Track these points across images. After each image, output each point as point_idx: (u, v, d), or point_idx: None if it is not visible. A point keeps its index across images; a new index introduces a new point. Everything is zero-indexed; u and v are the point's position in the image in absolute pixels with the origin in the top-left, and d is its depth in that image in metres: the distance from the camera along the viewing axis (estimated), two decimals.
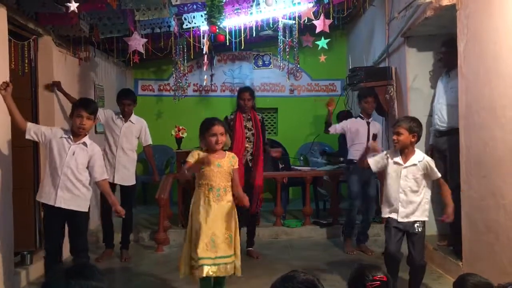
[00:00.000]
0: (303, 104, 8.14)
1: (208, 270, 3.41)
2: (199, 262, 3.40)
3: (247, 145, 4.93)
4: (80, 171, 3.66)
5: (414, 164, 3.54)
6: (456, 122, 4.41)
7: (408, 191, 3.51)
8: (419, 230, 3.53)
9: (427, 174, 3.55)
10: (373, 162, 3.77)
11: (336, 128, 5.30)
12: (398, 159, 3.60)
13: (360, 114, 5.26)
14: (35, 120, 4.63)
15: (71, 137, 3.67)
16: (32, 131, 3.66)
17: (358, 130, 5.16)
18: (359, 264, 2.11)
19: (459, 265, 3.99)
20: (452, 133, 4.47)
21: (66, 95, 4.93)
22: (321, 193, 6.74)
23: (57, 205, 3.60)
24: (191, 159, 3.52)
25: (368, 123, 5.17)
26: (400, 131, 3.54)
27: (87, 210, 3.79)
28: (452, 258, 4.22)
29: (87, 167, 3.72)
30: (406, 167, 3.55)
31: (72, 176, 3.64)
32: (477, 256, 3.73)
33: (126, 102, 5.04)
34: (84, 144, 3.69)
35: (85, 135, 3.73)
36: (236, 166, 3.65)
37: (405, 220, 3.54)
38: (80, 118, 3.62)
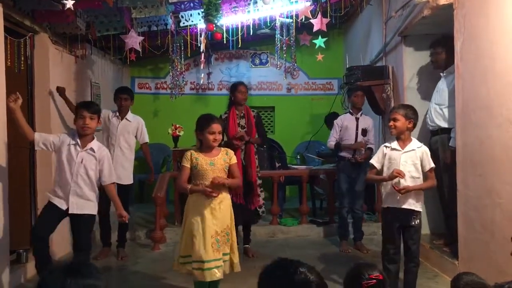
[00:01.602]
0: (300, 103, 8.15)
1: (214, 272, 3.37)
2: (205, 265, 3.36)
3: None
4: (90, 177, 3.66)
5: (413, 150, 3.54)
6: (441, 122, 4.44)
7: (408, 177, 3.48)
8: (416, 222, 3.52)
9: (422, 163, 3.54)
10: (376, 161, 3.67)
11: (335, 139, 5.23)
12: (396, 145, 3.58)
13: (350, 110, 5.28)
14: (31, 118, 4.62)
15: (79, 142, 3.64)
16: (41, 142, 3.65)
17: (347, 127, 5.19)
18: (355, 263, 2.11)
19: (455, 264, 4.00)
20: (439, 133, 4.49)
21: (68, 102, 4.89)
22: (317, 191, 6.75)
23: (70, 212, 3.61)
24: (186, 163, 3.51)
25: (357, 119, 5.19)
26: (397, 117, 3.52)
27: (96, 213, 3.81)
28: (448, 257, 4.23)
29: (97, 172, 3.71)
30: (405, 152, 3.53)
31: (83, 183, 3.63)
32: (473, 255, 3.74)
33: (123, 96, 5.04)
34: (92, 150, 3.66)
35: (93, 138, 3.71)
36: (234, 161, 3.61)
37: (403, 206, 3.49)
38: (83, 119, 3.59)
